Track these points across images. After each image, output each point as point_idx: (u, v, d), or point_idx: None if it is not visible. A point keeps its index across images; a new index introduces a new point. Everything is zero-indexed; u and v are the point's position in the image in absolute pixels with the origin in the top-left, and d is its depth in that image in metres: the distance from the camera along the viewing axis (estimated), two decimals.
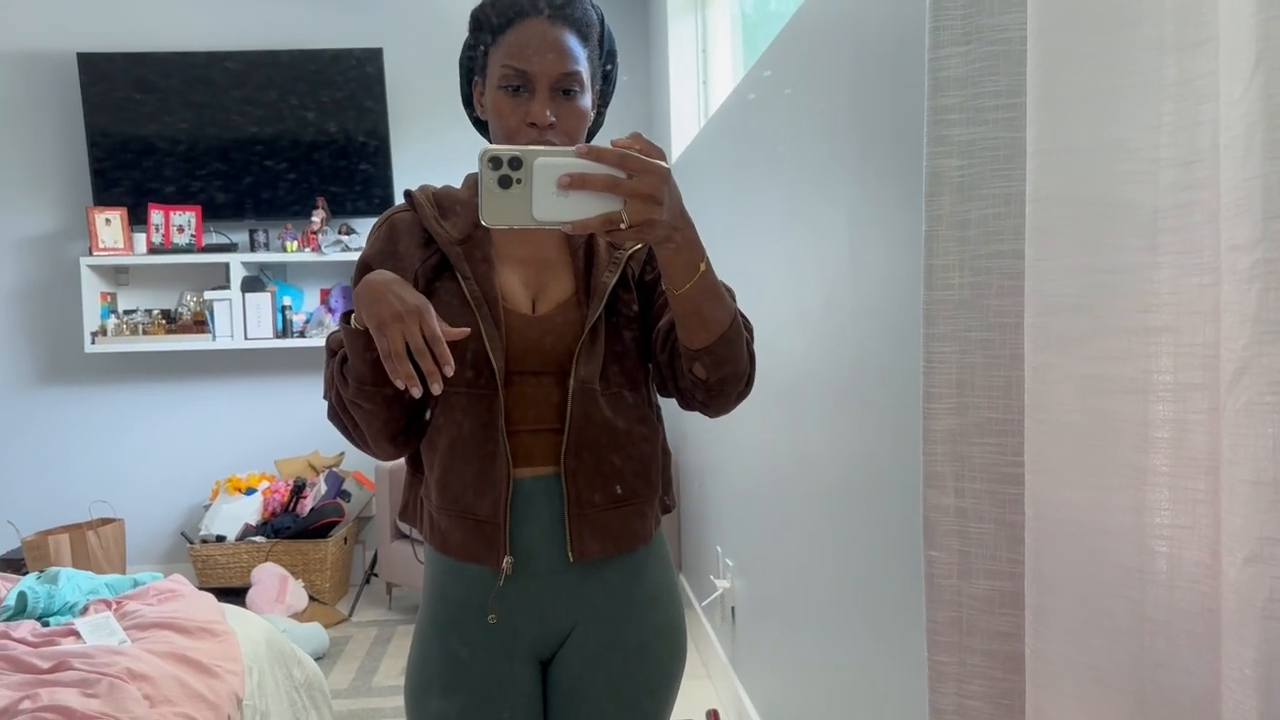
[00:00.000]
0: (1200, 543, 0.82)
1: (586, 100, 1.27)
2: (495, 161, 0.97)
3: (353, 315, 1.21)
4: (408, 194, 1.37)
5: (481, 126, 1.36)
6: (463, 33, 1.33)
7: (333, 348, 1.29)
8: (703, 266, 1.10)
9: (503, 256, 1.34)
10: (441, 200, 1.36)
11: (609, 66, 1.35)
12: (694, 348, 1.19)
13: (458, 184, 1.41)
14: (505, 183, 0.97)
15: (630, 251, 1.32)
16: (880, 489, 1.69)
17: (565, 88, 1.23)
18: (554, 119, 1.22)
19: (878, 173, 1.65)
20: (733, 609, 3.03)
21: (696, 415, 1.38)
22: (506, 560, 1.28)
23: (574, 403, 1.27)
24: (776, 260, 2.31)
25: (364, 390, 1.23)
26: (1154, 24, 0.85)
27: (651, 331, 1.33)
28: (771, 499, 2.51)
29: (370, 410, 1.25)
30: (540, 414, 1.29)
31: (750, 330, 1.27)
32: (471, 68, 1.33)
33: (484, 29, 1.28)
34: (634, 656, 1.35)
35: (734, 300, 1.26)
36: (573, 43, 1.24)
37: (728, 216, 2.77)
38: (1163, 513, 0.85)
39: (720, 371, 1.21)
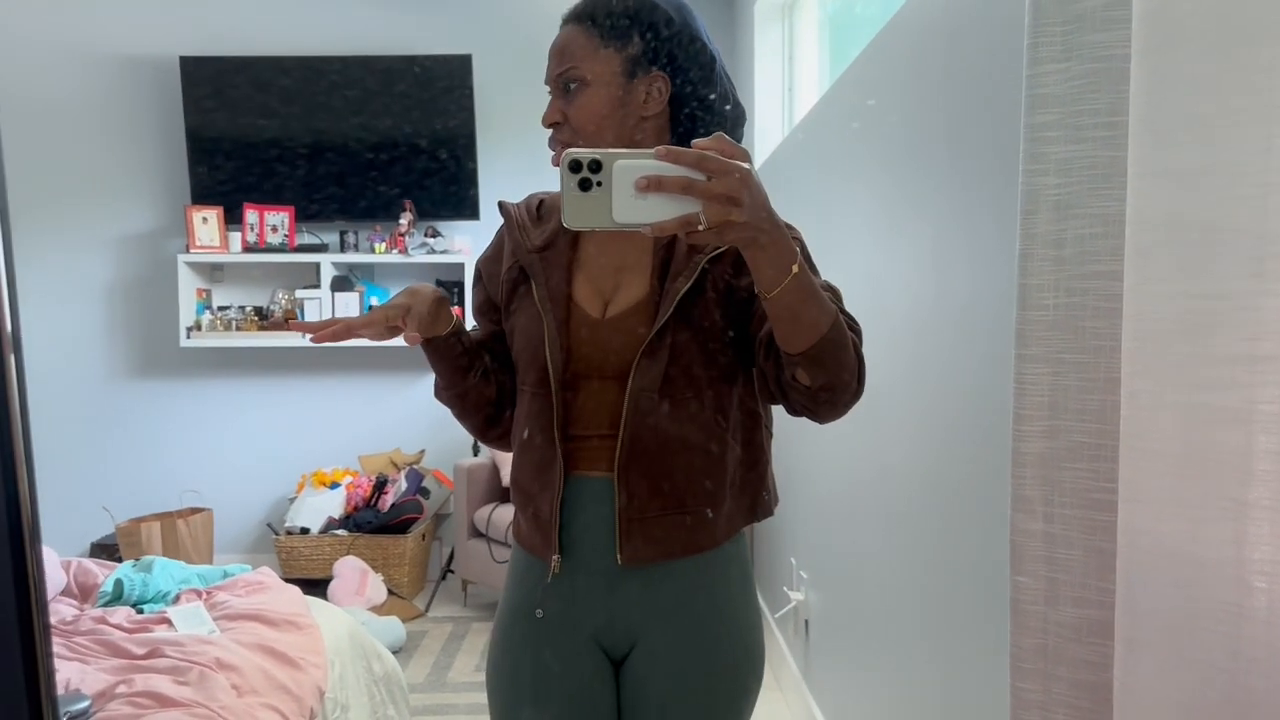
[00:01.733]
0: None
1: (599, 94, 1.27)
2: (575, 165, 0.98)
3: None
4: (501, 205, 1.43)
5: None
6: (547, 39, 1.37)
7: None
8: (795, 269, 1.07)
9: (583, 262, 1.36)
10: (547, 207, 1.42)
11: (666, 55, 1.30)
12: (793, 352, 1.16)
13: (542, 190, 1.46)
14: (585, 185, 0.98)
15: (709, 256, 1.29)
16: (964, 509, 1.66)
17: (564, 82, 1.28)
18: (560, 116, 1.28)
19: (966, 188, 1.63)
20: (806, 622, 3.00)
21: (777, 418, 1.37)
22: (555, 558, 1.32)
23: (629, 407, 1.27)
24: (860, 270, 2.29)
25: (439, 393, 1.42)
26: (1265, 45, 0.82)
27: (746, 340, 1.31)
28: (849, 512, 2.49)
29: (455, 409, 1.42)
30: (601, 418, 1.30)
31: (858, 332, 1.23)
32: None
33: None
34: (706, 670, 1.34)
35: (840, 301, 1.24)
36: (573, 40, 1.28)
37: (810, 225, 2.75)
38: (1263, 547, 0.82)
39: (823, 377, 1.17)
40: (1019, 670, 1.10)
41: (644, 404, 1.27)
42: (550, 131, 1.31)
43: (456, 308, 4.72)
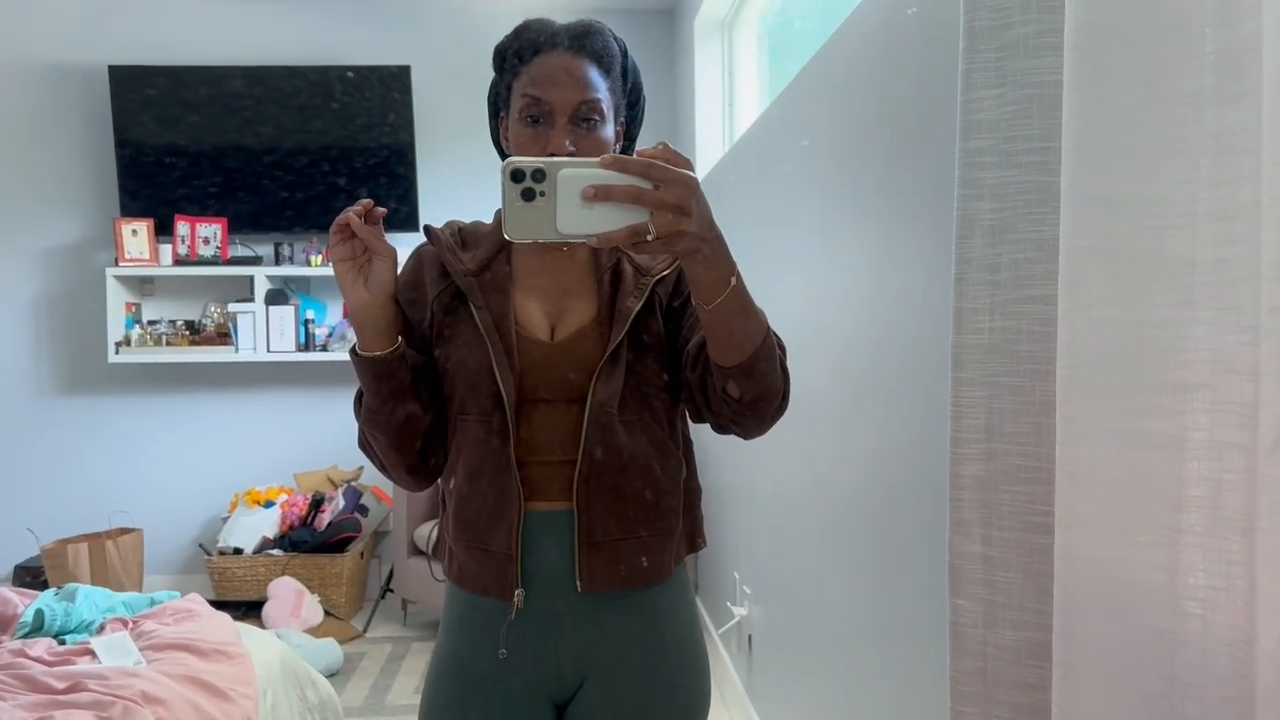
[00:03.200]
0: (1235, 606, 0.80)
1: (608, 131, 1.25)
2: (518, 174, 0.94)
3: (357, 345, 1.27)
4: (427, 229, 1.37)
5: None
6: (487, 50, 1.34)
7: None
8: (734, 281, 1.07)
9: (522, 285, 1.33)
10: (466, 233, 1.37)
11: (634, 100, 1.34)
12: (726, 365, 1.16)
13: (482, 202, 1.43)
14: (529, 195, 0.95)
15: (658, 277, 1.29)
16: (904, 529, 1.67)
17: (584, 116, 1.23)
18: (574, 149, 1.21)
19: (904, 210, 1.64)
20: (749, 637, 3.00)
21: (713, 439, 1.37)
22: (518, 593, 1.27)
23: (589, 428, 1.25)
24: (799, 290, 2.30)
25: (374, 419, 1.28)
26: (1193, 76, 0.83)
27: (680, 358, 1.30)
28: (792, 528, 2.49)
29: (384, 439, 1.29)
30: (556, 443, 1.27)
31: (783, 348, 1.24)
32: (497, 104, 1.34)
33: (507, 64, 1.29)
34: (652, 707, 1.31)
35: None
36: (592, 73, 1.24)
37: (750, 242, 2.76)
38: (1197, 573, 0.83)
39: (754, 390, 1.18)
40: (958, 693, 1.11)
41: (604, 424, 1.25)
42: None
43: None
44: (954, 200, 1.10)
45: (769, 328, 1.18)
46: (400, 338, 1.26)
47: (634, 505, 1.28)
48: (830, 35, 2.06)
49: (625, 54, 1.31)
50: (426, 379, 1.32)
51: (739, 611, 3.09)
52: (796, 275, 2.34)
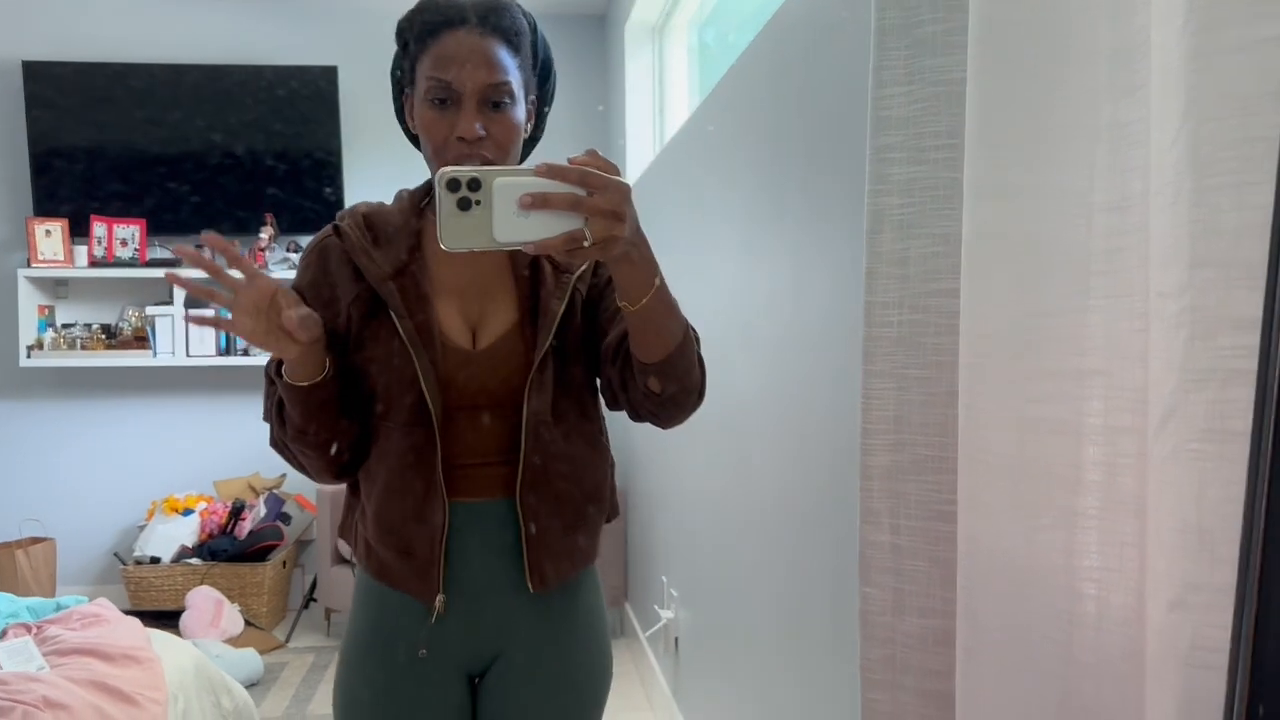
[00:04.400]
0: (1127, 586, 0.82)
1: (519, 112, 1.23)
2: (454, 184, 0.94)
3: (282, 365, 1.20)
4: (335, 226, 1.32)
5: (416, 140, 1.30)
6: None
7: (270, 375, 1.26)
8: (658, 281, 1.09)
9: (440, 287, 1.29)
10: (374, 223, 1.31)
11: (544, 75, 1.32)
12: (648, 361, 1.17)
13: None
14: (465, 205, 0.95)
15: (578, 274, 1.29)
16: (820, 522, 1.69)
17: (494, 99, 1.20)
18: (484, 132, 1.19)
19: (822, 208, 1.66)
20: (676, 639, 3.01)
21: (643, 443, 1.38)
22: (439, 599, 1.27)
23: (528, 437, 1.25)
24: (725, 290, 2.31)
25: (303, 437, 1.24)
26: (1089, 69, 0.86)
27: (598, 351, 1.31)
28: (716, 529, 2.50)
29: (310, 455, 1.27)
30: (487, 448, 1.28)
31: (698, 340, 1.25)
32: (401, 80, 1.31)
33: (409, 40, 1.25)
34: (565, 678, 1.35)
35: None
36: (501, 53, 1.20)
37: (679, 245, 2.77)
38: (1092, 555, 0.85)
39: (675, 384, 1.20)
40: (869, 681, 1.12)
41: (540, 430, 1.27)
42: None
43: None
44: (864, 196, 1.12)
45: (688, 323, 1.20)
46: (328, 361, 1.20)
47: (574, 502, 1.31)
48: (752, 39, 2.08)
49: (535, 29, 1.29)
50: (348, 381, 1.28)
51: (666, 614, 3.09)
52: (722, 276, 2.35)
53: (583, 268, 1.30)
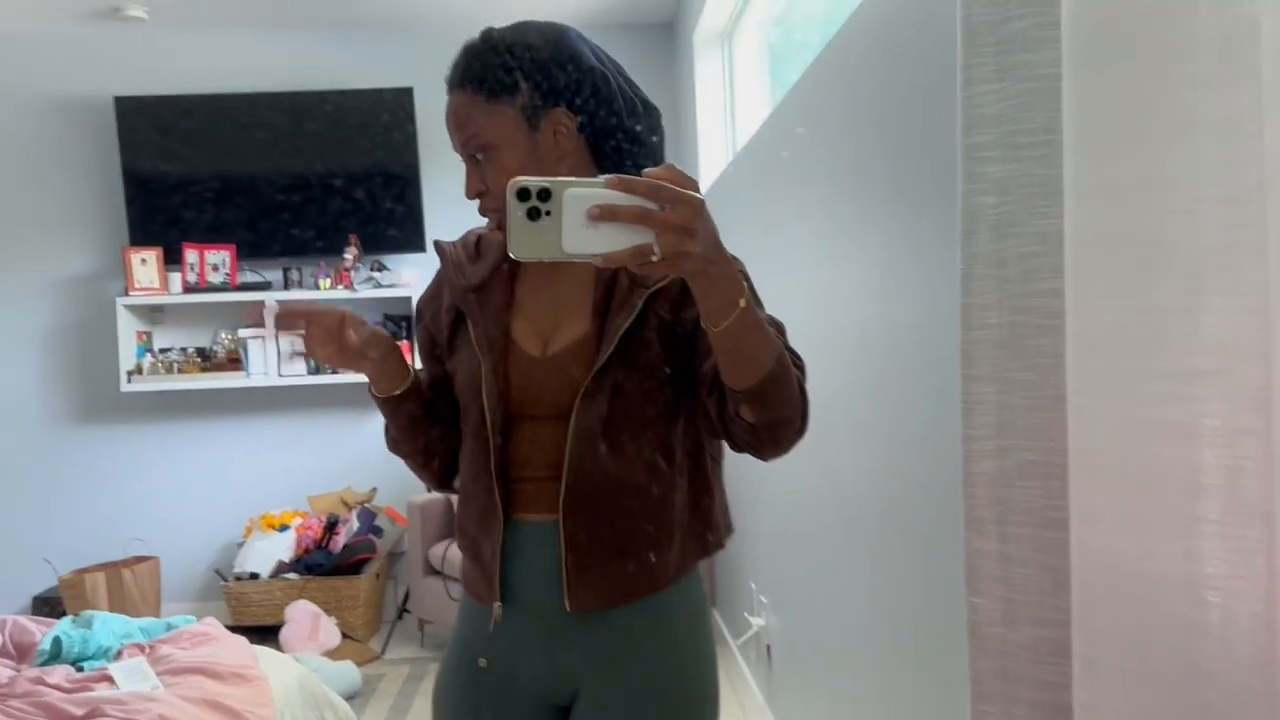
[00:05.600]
0: (1255, 594, 0.79)
1: (509, 154, 1.23)
2: (524, 193, 0.94)
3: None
4: (436, 244, 1.40)
5: None
6: None
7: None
8: (742, 303, 1.05)
9: (522, 298, 1.33)
10: (482, 241, 1.39)
11: (563, 88, 1.25)
12: (738, 388, 1.13)
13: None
14: (534, 214, 0.94)
15: (652, 290, 1.26)
16: (919, 529, 1.66)
17: (473, 154, 1.25)
18: (483, 186, 1.25)
19: (909, 209, 1.64)
20: (768, 647, 2.98)
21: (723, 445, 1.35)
22: (497, 606, 1.29)
23: (572, 449, 1.24)
24: (807, 293, 2.29)
25: (399, 447, 1.38)
26: (1192, 59, 0.83)
27: (689, 375, 1.27)
28: (806, 535, 2.48)
29: (410, 462, 1.39)
30: (543, 459, 1.27)
31: (802, 369, 1.21)
32: None
33: None
34: (653, 708, 1.29)
35: (783, 337, 1.22)
36: (471, 107, 1.23)
37: (756, 250, 2.75)
38: (1214, 562, 0.82)
39: (768, 414, 1.15)
40: (979, 693, 1.09)
41: (587, 445, 1.24)
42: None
43: (404, 342, 4.66)
44: (958, 196, 1.10)
45: (783, 350, 1.15)
46: (411, 373, 1.33)
47: (621, 525, 1.26)
48: (831, 39, 2.06)
49: (514, 52, 1.23)
50: (447, 393, 1.37)
51: (756, 622, 3.08)
52: (804, 279, 2.33)
53: (659, 283, 1.26)
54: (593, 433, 1.24)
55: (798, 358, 1.21)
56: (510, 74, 1.23)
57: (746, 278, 1.25)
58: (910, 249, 1.64)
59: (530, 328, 1.31)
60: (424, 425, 1.36)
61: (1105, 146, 0.89)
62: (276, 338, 4.59)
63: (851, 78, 1.94)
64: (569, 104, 1.25)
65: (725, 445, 1.32)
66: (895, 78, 1.69)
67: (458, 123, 1.26)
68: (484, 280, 1.32)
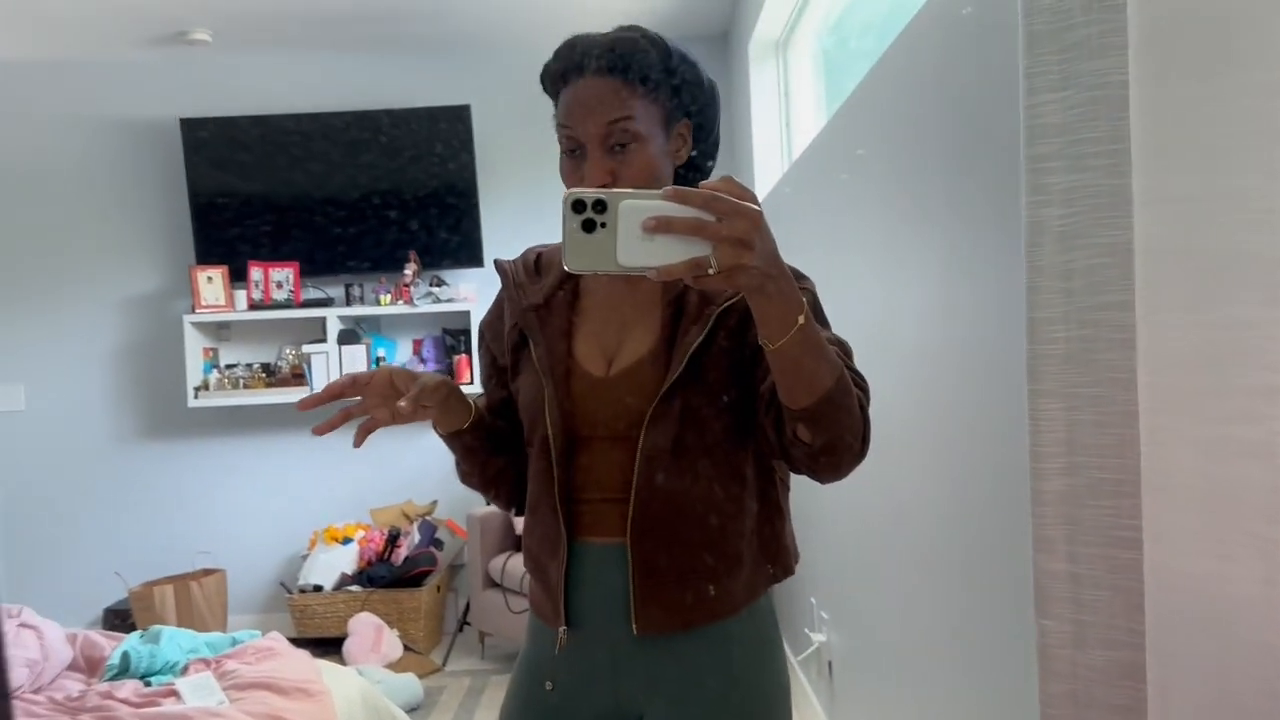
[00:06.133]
0: None
1: (652, 149, 1.20)
2: (579, 205, 0.93)
3: None
4: (497, 264, 1.38)
5: None
6: (541, 88, 1.32)
7: None
8: (800, 319, 1.01)
9: (586, 316, 1.31)
10: (543, 259, 1.37)
11: (693, 97, 1.27)
12: (795, 408, 1.09)
13: (545, 234, 1.41)
14: (589, 226, 0.93)
15: (722, 307, 1.22)
16: (984, 547, 1.63)
17: (618, 141, 1.19)
18: (610, 179, 1.18)
19: (971, 220, 1.61)
20: (829, 664, 2.95)
21: None
22: (561, 630, 1.27)
23: (640, 471, 1.21)
24: (865, 303, 2.27)
25: (468, 478, 1.40)
26: (1265, 66, 0.80)
27: (750, 394, 1.24)
28: (868, 551, 2.44)
29: (479, 491, 1.41)
30: (608, 481, 1.25)
31: (865, 391, 1.17)
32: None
33: (549, 91, 1.27)
34: None
35: (848, 358, 1.18)
36: (621, 92, 1.19)
37: (813, 261, 2.73)
38: None
39: (824, 436, 1.11)
40: (1049, 716, 1.07)
41: (656, 466, 1.21)
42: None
43: (462, 356, 4.71)
44: (1022, 207, 1.07)
45: (843, 370, 1.11)
46: (473, 409, 1.30)
47: (690, 547, 1.23)
48: (886, 49, 2.04)
49: (670, 54, 1.24)
50: (511, 416, 1.37)
51: (817, 638, 3.04)
52: (862, 292, 2.31)
53: (729, 300, 1.23)
54: (661, 454, 1.21)
55: (861, 380, 1.18)
56: (665, 74, 1.23)
57: (813, 296, 1.24)
58: (972, 261, 1.61)
59: (593, 347, 1.29)
60: (489, 455, 1.35)
61: (1176, 156, 0.87)
62: (340, 352, 4.65)
63: (909, 87, 1.92)
64: (690, 116, 1.27)
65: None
66: (954, 86, 1.66)
67: (604, 106, 1.19)
68: (546, 298, 1.31)
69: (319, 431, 1.18)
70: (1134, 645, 1.00)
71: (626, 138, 1.19)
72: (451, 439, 1.31)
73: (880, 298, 2.17)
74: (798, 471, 1.22)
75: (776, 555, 1.31)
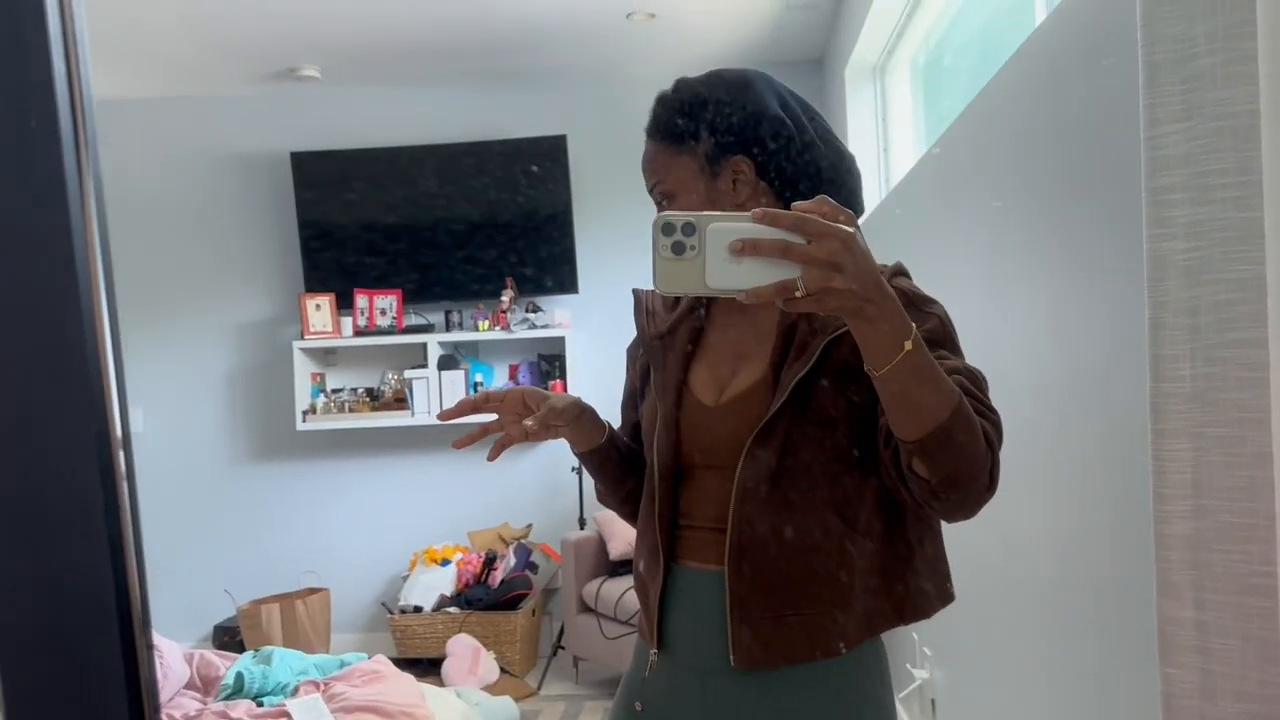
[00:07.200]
0: None
1: (686, 199, 1.24)
2: (668, 228, 0.93)
3: None
4: (634, 292, 1.42)
5: None
6: (639, 116, 1.35)
7: None
8: (908, 345, 0.97)
9: (707, 346, 1.32)
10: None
11: (740, 135, 1.25)
12: (906, 439, 1.06)
13: (638, 262, 1.45)
14: (679, 249, 0.93)
15: (831, 336, 1.19)
16: (1102, 590, 1.57)
17: (659, 200, 1.27)
18: None
19: (1083, 252, 1.57)
20: (933, 701, 2.88)
21: None
22: (653, 653, 1.29)
23: (737, 500, 1.20)
24: (967, 337, 2.22)
25: (604, 499, 1.46)
26: None
27: (871, 427, 1.20)
28: (977, 587, 2.38)
29: (616, 511, 1.45)
30: (709, 510, 1.25)
31: (995, 424, 1.13)
32: None
33: None
34: None
35: (979, 387, 1.15)
36: (660, 156, 1.27)
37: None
38: None
39: (943, 469, 1.06)
40: None
41: (753, 495, 1.20)
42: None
43: (556, 382, 4.75)
44: (1143, 241, 1.04)
45: (962, 399, 1.06)
46: (606, 430, 1.36)
47: (789, 580, 1.20)
48: (994, 75, 2.01)
49: (701, 101, 1.25)
50: (639, 439, 1.41)
51: (920, 674, 2.97)
52: (968, 324, 2.26)
53: (840, 329, 1.18)
54: (758, 484, 1.20)
55: (992, 413, 1.13)
56: (692, 123, 1.25)
57: (942, 322, 1.21)
58: (1085, 293, 1.57)
59: (709, 376, 1.30)
60: (623, 475, 1.40)
61: None
62: (440, 377, 4.75)
63: (1016, 114, 1.88)
64: (747, 151, 1.25)
65: None
66: (1066, 113, 1.63)
67: (649, 169, 1.29)
68: (671, 327, 1.34)
69: (459, 445, 1.25)
70: (1267, 698, 0.96)
71: (662, 198, 1.27)
72: (585, 457, 1.36)
73: (987, 329, 2.12)
74: (921, 508, 1.17)
75: (906, 595, 1.25)
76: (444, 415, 1.27)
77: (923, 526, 1.27)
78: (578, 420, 1.30)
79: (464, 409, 1.25)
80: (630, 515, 1.43)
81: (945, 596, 1.29)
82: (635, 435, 1.42)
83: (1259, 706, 0.97)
